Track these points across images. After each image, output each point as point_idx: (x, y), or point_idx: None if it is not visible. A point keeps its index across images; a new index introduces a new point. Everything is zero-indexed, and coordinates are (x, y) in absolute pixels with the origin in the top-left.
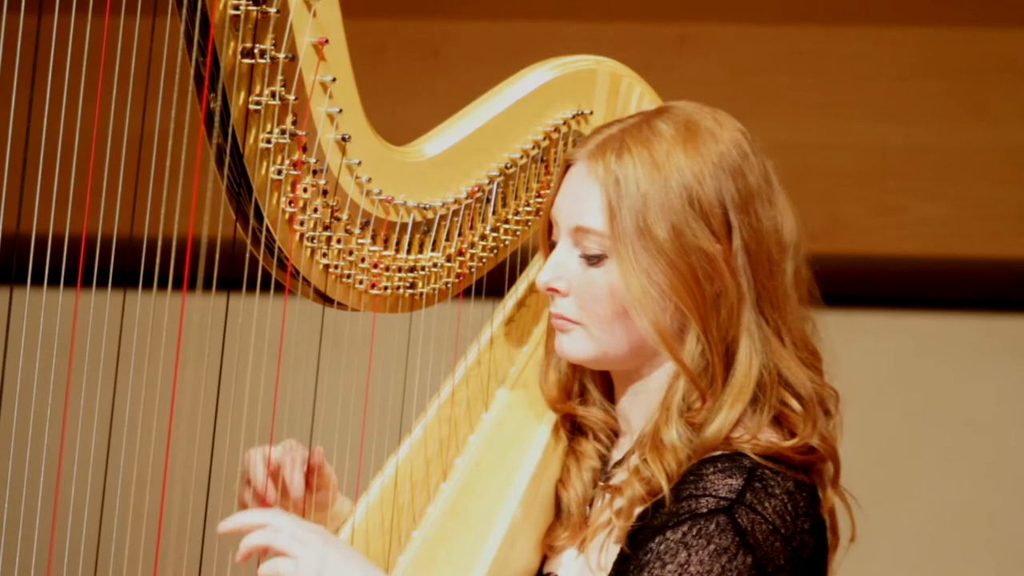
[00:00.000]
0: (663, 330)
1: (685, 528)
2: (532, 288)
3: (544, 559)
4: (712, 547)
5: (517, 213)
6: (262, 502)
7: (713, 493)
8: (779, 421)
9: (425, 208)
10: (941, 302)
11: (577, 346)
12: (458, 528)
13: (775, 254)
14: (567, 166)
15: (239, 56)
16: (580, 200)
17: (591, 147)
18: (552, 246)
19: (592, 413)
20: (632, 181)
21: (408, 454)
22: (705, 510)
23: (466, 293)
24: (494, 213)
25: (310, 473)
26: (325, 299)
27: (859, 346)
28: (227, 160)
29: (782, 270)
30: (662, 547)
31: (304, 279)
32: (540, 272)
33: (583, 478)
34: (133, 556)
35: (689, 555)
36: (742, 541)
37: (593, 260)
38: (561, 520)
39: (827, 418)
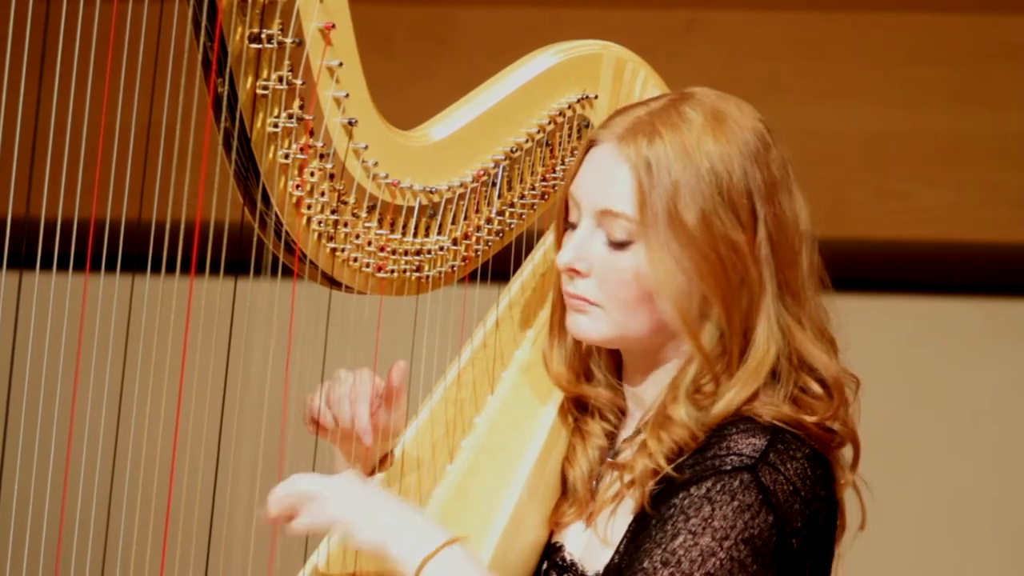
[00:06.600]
0: (687, 316)
1: (709, 484)
2: (537, 272)
3: (551, 534)
4: (736, 503)
5: (523, 197)
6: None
7: (737, 452)
8: (797, 403)
9: (431, 192)
10: (944, 287)
11: (595, 327)
12: (465, 507)
13: (796, 244)
14: (590, 146)
15: (246, 41)
16: (608, 183)
17: (619, 129)
18: (570, 225)
19: (600, 393)
20: (664, 167)
21: (415, 436)
22: (729, 467)
23: (472, 276)
24: (500, 197)
25: (388, 397)
26: (332, 282)
27: (862, 330)
28: (235, 144)
29: (801, 260)
30: (686, 502)
31: (311, 262)
32: (561, 252)
33: (588, 456)
34: (141, 540)
35: (713, 509)
36: (765, 499)
37: (619, 244)
38: (567, 497)
39: (847, 404)
